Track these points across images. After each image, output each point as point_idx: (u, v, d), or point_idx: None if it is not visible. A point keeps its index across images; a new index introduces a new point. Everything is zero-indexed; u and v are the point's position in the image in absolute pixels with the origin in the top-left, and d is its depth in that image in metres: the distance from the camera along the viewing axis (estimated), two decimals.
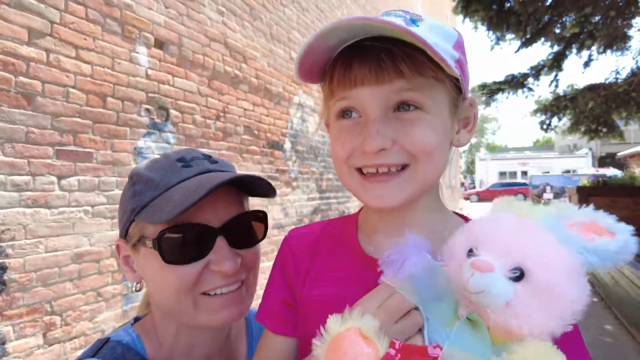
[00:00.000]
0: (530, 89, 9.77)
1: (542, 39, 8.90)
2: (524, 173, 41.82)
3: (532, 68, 9.72)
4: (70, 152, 3.17)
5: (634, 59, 9.08)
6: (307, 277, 0.82)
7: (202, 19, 4.61)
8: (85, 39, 3.29)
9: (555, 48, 9.50)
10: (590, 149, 38.82)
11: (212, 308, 0.91)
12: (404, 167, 0.71)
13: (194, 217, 0.88)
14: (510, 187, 36.70)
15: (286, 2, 6.43)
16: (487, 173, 46.02)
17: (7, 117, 2.76)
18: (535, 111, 10.44)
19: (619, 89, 8.49)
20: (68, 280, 3.15)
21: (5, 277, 2.75)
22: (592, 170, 23.74)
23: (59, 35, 3.09)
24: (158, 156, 1.05)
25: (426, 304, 0.61)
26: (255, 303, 1.01)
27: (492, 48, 9.65)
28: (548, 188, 24.13)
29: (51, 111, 3.03)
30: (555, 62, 9.47)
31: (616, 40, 8.57)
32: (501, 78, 10.03)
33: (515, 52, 9.42)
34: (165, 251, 0.87)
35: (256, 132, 5.59)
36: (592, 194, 9.13)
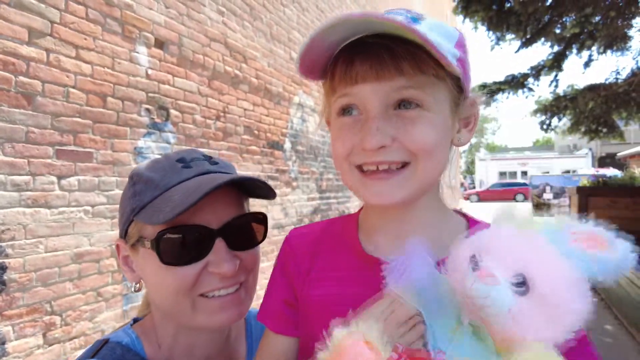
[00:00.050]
0: (530, 89, 9.77)
1: (542, 39, 8.89)
2: (524, 173, 41.81)
3: (532, 68, 9.72)
4: (71, 152, 3.17)
5: (634, 59, 9.09)
6: (308, 277, 0.82)
7: (202, 19, 4.61)
8: (85, 39, 3.29)
9: (556, 48, 9.50)
10: (590, 149, 38.82)
11: (210, 310, 0.90)
12: (404, 165, 0.70)
13: (193, 218, 0.88)
14: (510, 187, 36.73)
15: (286, 2, 6.43)
16: (487, 173, 46.01)
17: (7, 117, 2.76)
18: (535, 111, 10.43)
19: (619, 89, 8.49)
20: (68, 280, 3.15)
21: (5, 277, 2.75)
22: (592, 171, 23.73)
23: (59, 35, 3.09)
24: (158, 156, 1.05)
25: (429, 311, 0.62)
26: (255, 304, 1.01)
27: (492, 48, 9.65)
28: (548, 188, 24.12)
29: (51, 111, 3.03)
30: (556, 62, 9.47)
31: (616, 41, 8.57)
32: (501, 78, 10.02)
33: (515, 52, 9.42)
34: (163, 252, 0.87)
35: (256, 132, 5.59)
36: (592, 194, 9.13)
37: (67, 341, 3.12)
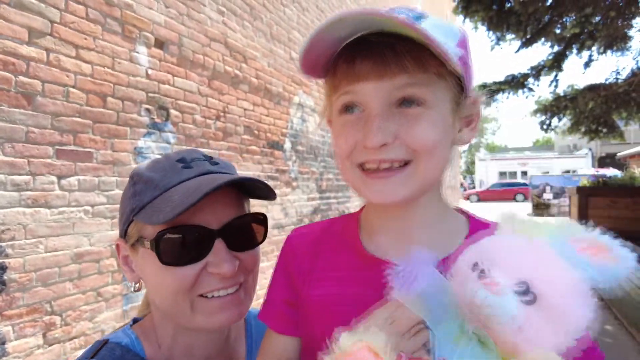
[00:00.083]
0: (530, 89, 9.77)
1: (543, 39, 8.90)
2: (524, 173, 41.79)
3: (532, 68, 9.72)
4: (71, 151, 3.17)
5: (634, 59, 9.09)
6: (309, 277, 0.82)
7: (202, 19, 4.61)
8: (85, 39, 3.29)
9: (556, 48, 9.51)
10: (590, 149, 38.82)
11: (209, 310, 0.90)
12: (406, 163, 0.70)
13: (193, 218, 0.87)
14: (510, 187, 36.72)
15: (286, 2, 6.43)
16: (487, 173, 46.00)
17: (7, 117, 2.76)
18: (536, 111, 10.43)
19: (619, 89, 8.49)
20: (68, 280, 3.15)
21: (5, 277, 2.75)
22: (592, 171, 23.72)
23: (59, 35, 3.09)
24: (159, 156, 1.05)
25: (433, 319, 0.61)
26: (255, 304, 1.01)
27: (492, 48, 9.65)
28: (548, 188, 24.13)
29: (51, 111, 3.03)
30: (556, 63, 9.47)
31: (616, 41, 8.57)
32: (501, 78, 10.02)
33: (516, 52, 9.42)
34: (162, 252, 0.87)
35: (256, 132, 5.59)
36: (592, 194, 9.13)
37: (67, 341, 3.12)
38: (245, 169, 5.31)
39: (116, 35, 3.56)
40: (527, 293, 0.52)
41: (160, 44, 4.03)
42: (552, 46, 9.48)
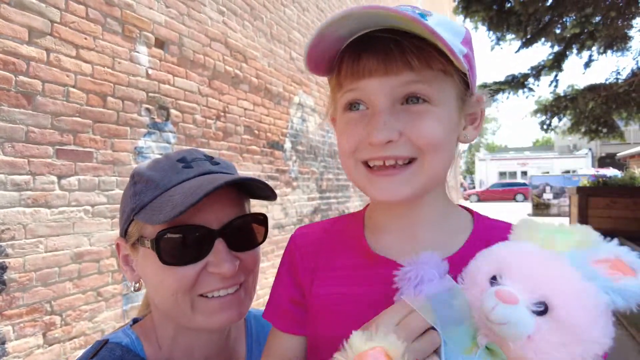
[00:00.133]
0: (530, 89, 9.76)
1: (543, 39, 8.88)
2: (524, 173, 41.78)
3: (532, 68, 9.71)
4: (71, 151, 3.17)
5: (634, 59, 9.07)
6: (314, 276, 0.82)
7: (202, 19, 4.61)
8: (85, 39, 3.28)
9: (556, 48, 9.49)
10: (590, 149, 38.81)
11: (209, 310, 0.90)
12: (411, 160, 0.70)
13: (193, 218, 0.87)
14: (510, 187, 36.73)
15: (287, 2, 6.42)
16: (487, 173, 45.98)
17: (7, 117, 2.76)
18: (536, 111, 10.42)
19: (619, 89, 8.49)
20: (68, 280, 3.15)
21: (5, 277, 2.75)
22: (592, 171, 23.72)
23: (59, 35, 3.09)
24: (159, 156, 1.05)
25: (444, 326, 0.60)
26: (255, 304, 1.01)
27: (492, 48, 9.64)
28: (548, 188, 24.15)
29: (51, 110, 3.03)
30: (556, 63, 9.46)
31: (616, 41, 8.56)
32: (501, 78, 10.01)
33: (516, 52, 9.41)
34: (163, 252, 0.87)
35: (256, 132, 5.59)
36: (592, 194, 9.11)
37: (67, 341, 3.12)
38: (246, 169, 5.31)
39: (116, 35, 3.56)
40: (539, 305, 0.52)
41: (160, 43, 4.03)
42: (552, 46, 9.47)
